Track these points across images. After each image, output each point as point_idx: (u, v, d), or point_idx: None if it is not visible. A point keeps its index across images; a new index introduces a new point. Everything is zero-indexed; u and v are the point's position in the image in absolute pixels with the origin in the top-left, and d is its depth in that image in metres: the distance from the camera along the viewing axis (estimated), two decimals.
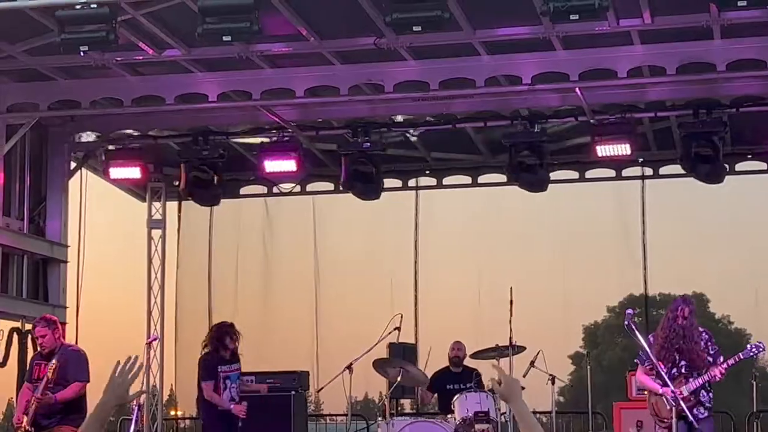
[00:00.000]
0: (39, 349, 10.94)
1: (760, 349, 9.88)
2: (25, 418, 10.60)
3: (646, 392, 10.39)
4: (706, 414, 9.95)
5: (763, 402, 14.96)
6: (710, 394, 10.03)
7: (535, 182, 14.49)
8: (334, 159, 15.28)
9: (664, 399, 9.78)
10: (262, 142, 14.36)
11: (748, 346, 10.01)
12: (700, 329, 10.16)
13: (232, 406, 11.88)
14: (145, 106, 13.08)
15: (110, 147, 14.58)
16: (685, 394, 9.84)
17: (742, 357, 9.94)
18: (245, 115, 13.78)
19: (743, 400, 15.18)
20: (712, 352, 9.99)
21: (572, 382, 17.00)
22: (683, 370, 9.98)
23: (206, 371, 12.13)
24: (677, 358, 9.99)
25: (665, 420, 9.83)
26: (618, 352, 37.08)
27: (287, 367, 14.29)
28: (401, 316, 12.82)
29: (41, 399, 10.49)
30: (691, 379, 9.91)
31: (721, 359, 9.95)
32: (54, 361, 10.62)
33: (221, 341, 12.12)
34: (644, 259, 16.28)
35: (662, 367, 9.93)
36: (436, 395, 13.65)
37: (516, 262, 16.63)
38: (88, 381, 10.77)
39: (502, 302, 12.94)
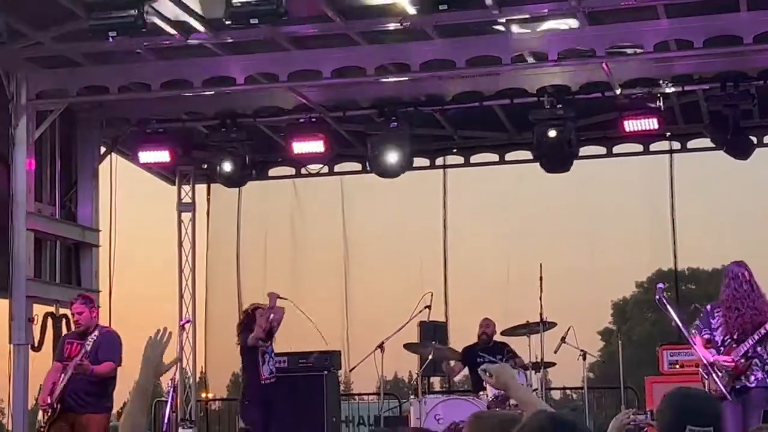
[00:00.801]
0: (74, 327, 11.01)
1: None
2: (51, 397, 10.66)
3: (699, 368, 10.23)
4: (754, 383, 9.71)
5: None
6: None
7: (560, 161, 14.45)
8: (361, 139, 15.33)
9: (708, 369, 9.70)
10: (289, 124, 14.41)
11: None
12: (764, 293, 10.02)
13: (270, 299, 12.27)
14: (173, 90, 13.15)
15: (139, 131, 14.67)
16: (736, 358, 9.74)
17: None
18: (272, 97, 13.82)
19: None
20: None
21: (603, 358, 17.02)
22: (735, 336, 9.85)
23: (244, 340, 12.37)
24: (740, 323, 9.79)
25: (715, 391, 9.64)
26: (647, 327, 37.11)
27: (318, 347, 14.36)
28: (431, 295, 12.89)
29: (80, 365, 10.56)
30: (741, 344, 9.81)
31: None
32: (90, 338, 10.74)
33: (249, 326, 12.40)
34: (673, 233, 16.23)
35: (695, 339, 9.92)
36: (465, 368, 13.70)
37: (544, 239, 16.62)
38: (120, 364, 10.85)
39: (531, 279, 12.98)
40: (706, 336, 10.00)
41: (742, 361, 9.77)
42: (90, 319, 10.90)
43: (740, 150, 14.00)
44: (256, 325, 12.39)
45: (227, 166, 14.52)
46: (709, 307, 10.15)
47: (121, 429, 4.49)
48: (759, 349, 9.80)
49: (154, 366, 4.53)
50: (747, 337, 9.77)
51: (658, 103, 13.39)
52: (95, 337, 10.79)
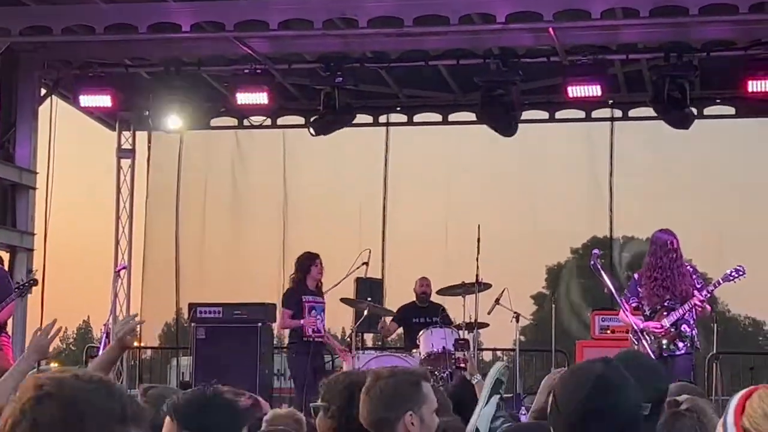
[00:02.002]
0: None
1: (740, 273, 9.83)
2: None
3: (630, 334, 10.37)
4: (683, 351, 9.88)
5: (722, 344, 15.18)
6: (694, 330, 9.97)
7: (504, 124, 14.52)
8: (305, 93, 15.28)
9: (639, 335, 9.84)
10: (233, 74, 14.32)
11: (728, 270, 9.94)
12: (685, 263, 10.18)
13: (302, 322, 11.82)
14: (118, 34, 13.01)
15: (81, 74, 14.50)
16: (667, 325, 9.89)
17: (722, 282, 9.96)
18: (218, 46, 13.72)
19: (704, 343, 15.40)
20: (698, 285, 10.01)
21: (535, 321, 17.19)
22: (665, 303, 10.00)
23: (285, 299, 12.12)
24: (662, 292, 10.00)
25: None
26: (580, 293, 37.43)
27: (254, 298, 14.35)
28: (369, 252, 12.94)
29: None
30: (672, 312, 9.97)
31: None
32: None
33: (306, 271, 12.05)
34: (610, 201, 16.36)
35: (626, 306, 10.05)
36: (400, 329, 13.79)
37: (484, 201, 16.70)
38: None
39: (469, 240, 13.07)
40: (634, 303, 10.15)
41: (672, 329, 9.92)
42: None
43: (680, 121, 14.13)
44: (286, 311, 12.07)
45: (169, 114, 14.43)
46: (636, 275, 10.29)
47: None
48: (687, 315, 9.95)
49: (124, 338, 4.79)
50: (676, 304, 9.92)
51: (602, 70, 13.47)
52: None
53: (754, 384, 2.95)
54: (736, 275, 9.88)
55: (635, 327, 9.90)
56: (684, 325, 9.95)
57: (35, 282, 10.75)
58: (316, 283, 12.17)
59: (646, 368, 4.17)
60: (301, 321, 11.93)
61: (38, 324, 12.11)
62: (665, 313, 9.95)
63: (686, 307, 9.90)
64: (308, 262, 12.20)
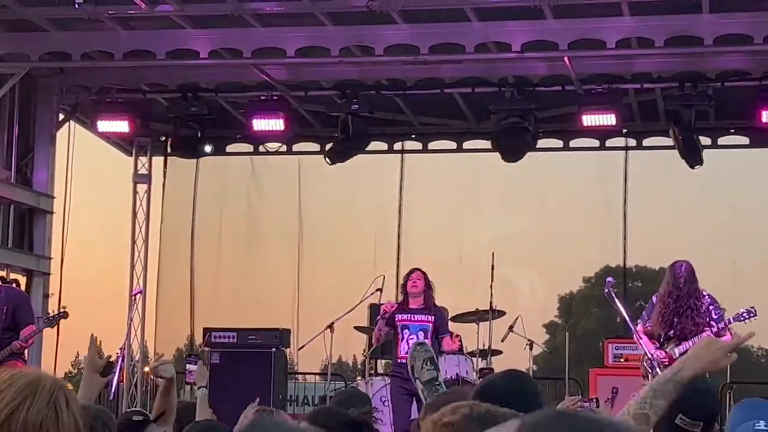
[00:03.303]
0: None
1: (751, 314, 9.80)
2: None
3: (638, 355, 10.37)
4: None
5: (735, 374, 15.15)
6: None
7: (516, 150, 14.55)
8: (321, 120, 15.36)
9: (653, 363, 9.84)
10: (250, 101, 14.42)
11: (740, 310, 9.92)
12: (704, 293, 10.17)
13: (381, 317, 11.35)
14: (136, 60, 13.12)
15: (99, 100, 14.61)
16: (676, 356, 9.89)
17: (732, 321, 9.96)
18: (235, 73, 13.83)
19: (717, 373, 15.36)
20: (715, 316, 9.99)
21: (549, 349, 17.18)
22: (677, 332, 10.02)
23: (380, 314, 11.74)
24: (675, 320, 10.04)
25: None
26: (592, 323, 37.38)
27: (268, 324, 14.38)
28: (383, 278, 12.96)
29: (25, 346, 10.47)
30: (684, 342, 9.97)
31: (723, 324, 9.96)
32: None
33: (405, 287, 11.53)
34: (624, 230, 16.37)
35: (641, 334, 10.06)
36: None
37: (497, 229, 16.74)
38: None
39: (482, 267, 13.09)
40: (649, 327, 10.16)
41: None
42: None
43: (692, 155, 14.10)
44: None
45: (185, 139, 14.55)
46: (654, 298, 10.30)
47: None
48: None
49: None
50: (687, 336, 9.93)
51: (616, 99, 13.53)
52: (8, 301, 10.60)
53: None
54: (748, 317, 9.86)
55: (649, 354, 9.91)
56: None
57: (65, 315, 10.77)
58: (419, 300, 11.38)
59: (700, 389, 4.25)
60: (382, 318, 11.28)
61: (54, 347, 12.23)
62: (676, 343, 9.97)
63: (696, 339, 9.90)
64: (405, 278, 11.56)
